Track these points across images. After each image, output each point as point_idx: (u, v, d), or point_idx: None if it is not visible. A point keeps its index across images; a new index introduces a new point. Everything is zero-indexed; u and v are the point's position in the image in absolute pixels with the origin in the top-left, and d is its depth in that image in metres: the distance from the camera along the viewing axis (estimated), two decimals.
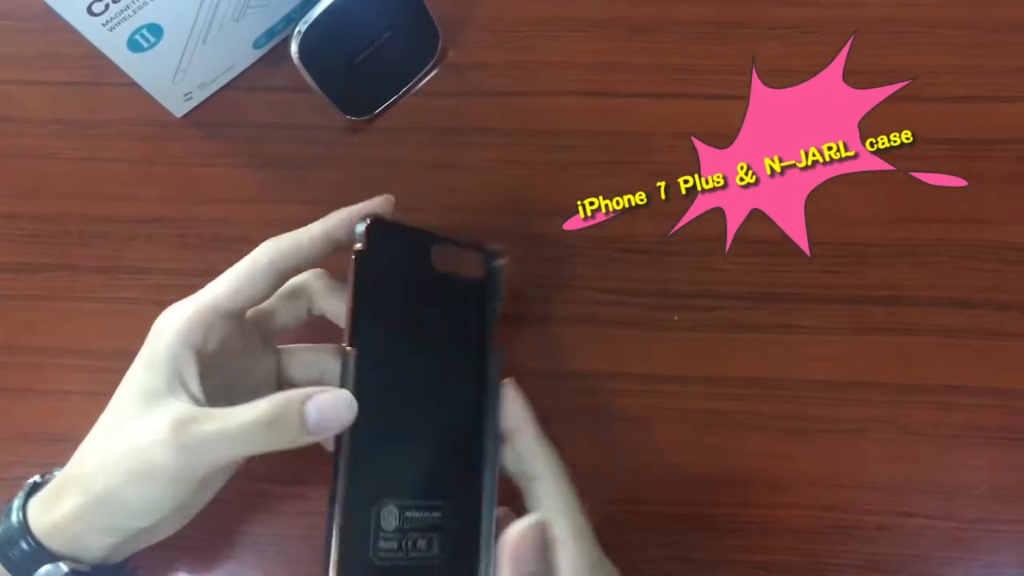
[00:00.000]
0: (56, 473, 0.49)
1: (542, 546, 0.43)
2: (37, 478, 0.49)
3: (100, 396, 0.56)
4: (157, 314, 0.57)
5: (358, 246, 0.44)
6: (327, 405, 0.42)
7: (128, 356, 0.57)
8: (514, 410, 0.46)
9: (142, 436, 0.44)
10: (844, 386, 0.55)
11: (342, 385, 0.43)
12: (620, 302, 0.56)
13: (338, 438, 0.42)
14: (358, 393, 0.42)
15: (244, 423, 0.42)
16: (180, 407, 0.44)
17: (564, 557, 0.43)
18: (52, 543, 0.45)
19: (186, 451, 0.43)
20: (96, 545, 0.46)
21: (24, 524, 0.45)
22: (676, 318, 0.56)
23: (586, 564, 0.43)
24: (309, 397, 0.42)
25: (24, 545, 0.45)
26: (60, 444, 0.56)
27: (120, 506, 0.45)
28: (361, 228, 0.44)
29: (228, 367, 0.48)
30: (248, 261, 0.47)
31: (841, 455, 0.54)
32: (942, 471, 0.53)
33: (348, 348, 0.43)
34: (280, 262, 0.47)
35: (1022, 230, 0.56)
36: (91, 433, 0.47)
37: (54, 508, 0.46)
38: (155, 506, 0.45)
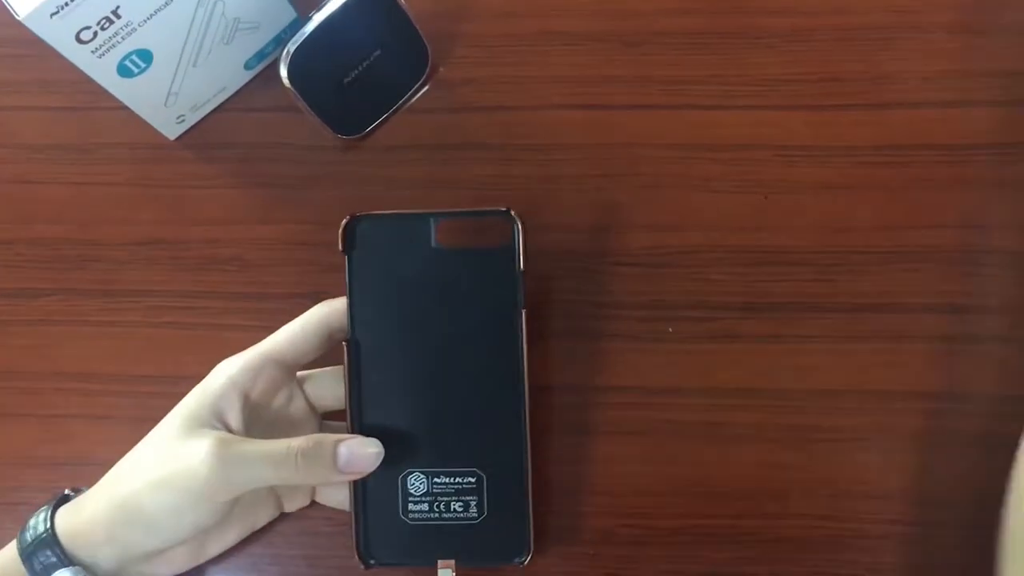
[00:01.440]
0: (83, 489, 0.50)
1: None
2: (69, 491, 0.51)
3: (101, 420, 0.57)
4: (155, 336, 0.59)
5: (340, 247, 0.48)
6: (356, 447, 0.47)
7: (128, 379, 0.58)
8: None
9: (179, 452, 0.46)
10: (839, 395, 0.55)
11: (345, 375, 0.48)
12: (613, 315, 0.57)
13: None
14: (358, 377, 0.48)
15: (282, 449, 0.46)
16: (221, 433, 0.47)
17: None
18: (74, 548, 0.47)
19: (225, 465, 0.45)
20: (104, 557, 0.47)
21: (52, 533, 0.47)
22: (670, 330, 0.56)
23: None
24: (341, 440, 0.47)
25: (50, 554, 0.47)
26: (62, 468, 0.57)
27: (140, 513, 0.47)
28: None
29: (271, 418, 0.51)
30: (302, 318, 0.50)
31: (838, 464, 0.54)
32: (939, 477, 0.53)
33: (344, 342, 0.49)
34: (330, 318, 0.50)
35: (1014, 235, 0.56)
36: (130, 451, 0.49)
37: (79, 513, 0.48)
38: (176, 516, 0.46)
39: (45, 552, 0.46)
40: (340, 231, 0.48)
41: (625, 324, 0.56)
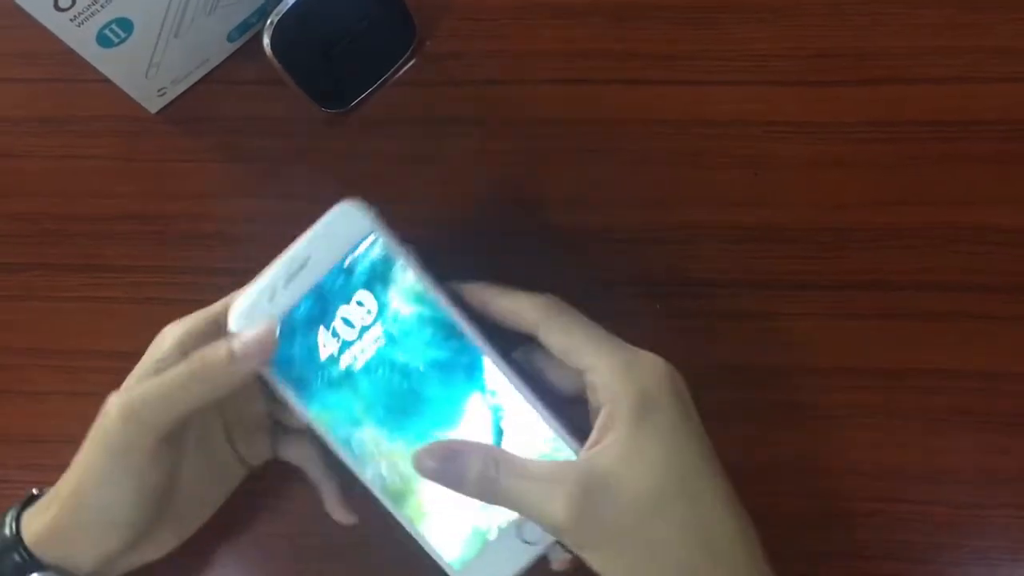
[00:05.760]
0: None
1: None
2: (34, 491, 0.49)
3: (81, 396, 0.56)
4: (135, 312, 0.58)
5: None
6: (252, 335, 0.43)
7: (108, 354, 0.57)
8: (476, 294, 0.45)
9: (98, 424, 0.45)
10: (829, 372, 0.54)
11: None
12: (601, 292, 0.56)
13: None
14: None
15: (178, 370, 0.44)
16: None
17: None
18: (45, 554, 0.45)
19: (128, 417, 0.43)
20: (86, 555, 0.46)
21: (16, 535, 0.46)
22: (658, 307, 0.56)
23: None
24: (234, 336, 0.44)
25: (16, 557, 0.45)
26: (42, 445, 0.56)
27: (94, 508, 0.45)
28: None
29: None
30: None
31: (827, 442, 0.54)
32: (929, 456, 0.53)
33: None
34: None
35: (1006, 211, 0.56)
36: None
37: (43, 517, 0.46)
38: (121, 496, 0.45)
39: (12, 556, 0.45)
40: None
41: (613, 301, 0.56)
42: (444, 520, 0.45)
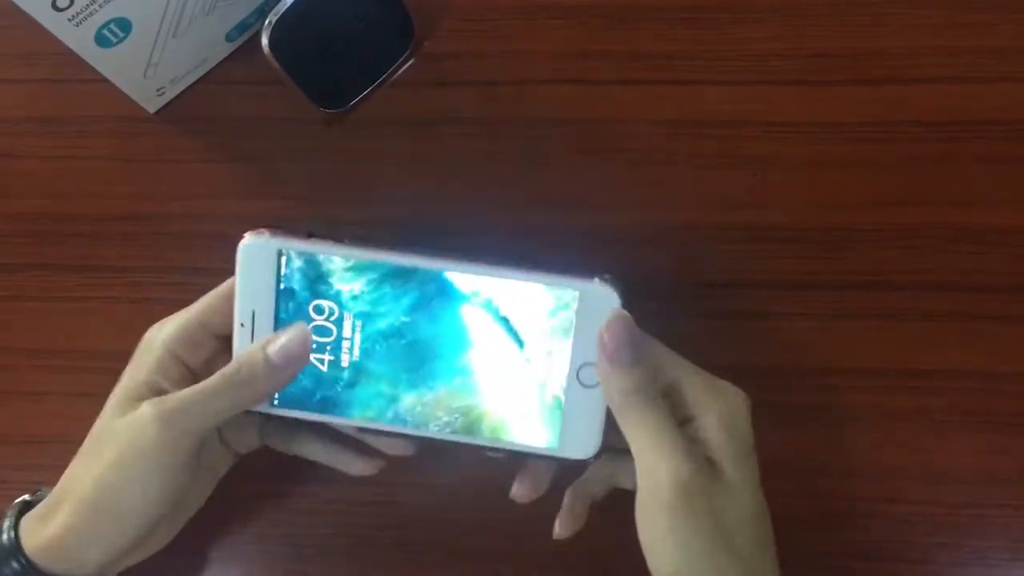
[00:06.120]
0: (43, 491, 0.48)
1: (630, 337, 0.44)
2: (27, 497, 0.48)
3: (79, 396, 0.56)
4: (134, 312, 0.57)
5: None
6: (282, 340, 0.45)
7: (106, 355, 0.57)
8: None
9: (120, 430, 0.44)
10: (829, 372, 0.54)
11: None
12: None
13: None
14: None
15: (215, 380, 0.44)
16: (154, 398, 0.45)
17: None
18: (45, 562, 0.45)
19: (168, 423, 0.44)
20: (89, 562, 0.45)
21: (15, 543, 0.45)
22: (654, 307, 0.55)
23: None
24: (269, 342, 0.45)
25: (15, 564, 0.45)
26: (40, 446, 0.56)
27: (113, 512, 0.45)
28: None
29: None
30: (229, 280, 0.48)
31: (827, 442, 0.53)
32: (929, 456, 0.53)
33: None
34: None
35: (1005, 212, 0.56)
36: (80, 449, 0.47)
37: (47, 525, 0.45)
38: (145, 496, 0.45)
39: (11, 564, 0.45)
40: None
41: None
42: (518, 419, 0.46)
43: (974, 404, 0.53)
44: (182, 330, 0.47)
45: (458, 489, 0.53)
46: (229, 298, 0.47)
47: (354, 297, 0.45)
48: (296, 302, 0.45)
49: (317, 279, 0.45)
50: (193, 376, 0.47)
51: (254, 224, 0.58)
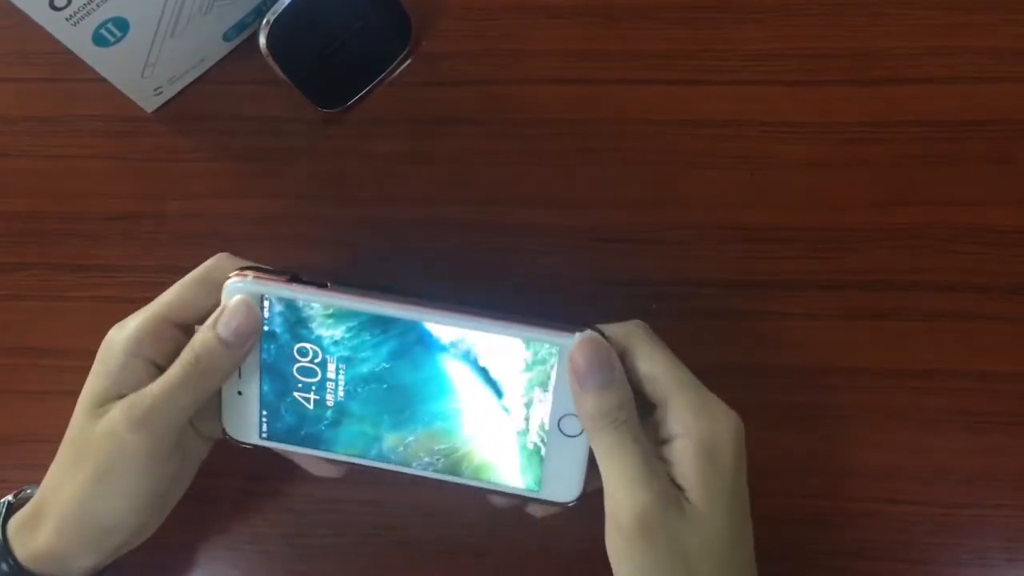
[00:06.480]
0: (28, 491, 0.48)
1: (599, 360, 0.43)
2: (10, 498, 0.48)
3: (77, 396, 0.56)
4: (131, 312, 0.57)
5: None
6: (231, 316, 0.44)
7: None
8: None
9: (103, 439, 0.44)
10: (826, 372, 0.54)
11: None
12: (596, 292, 0.56)
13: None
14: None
15: (177, 374, 0.44)
16: (120, 401, 0.45)
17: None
18: (35, 567, 0.45)
19: (142, 426, 0.43)
20: (80, 566, 0.46)
21: (5, 546, 0.45)
22: (654, 307, 0.55)
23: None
24: (215, 322, 0.44)
25: (4, 566, 0.45)
26: (37, 445, 0.55)
27: (97, 522, 0.45)
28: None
29: None
30: (198, 270, 0.47)
31: (826, 442, 0.53)
32: (926, 456, 0.53)
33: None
34: (213, 270, 0.47)
35: (1003, 212, 0.56)
36: (58, 454, 0.47)
37: (34, 537, 0.45)
38: (132, 505, 0.45)
39: (0, 566, 0.45)
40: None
41: (612, 300, 0.56)
42: (500, 460, 0.46)
43: (973, 404, 0.53)
44: (144, 328, 0.46)
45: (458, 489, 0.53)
46: (190, 290, 0.47)
47: (335, 342, 0.45)
48: (278, 344, 0.45)
49: (298, 324, 0.45)
50: (159, 371, 0.46)
51: (254, 224, 0.58)
